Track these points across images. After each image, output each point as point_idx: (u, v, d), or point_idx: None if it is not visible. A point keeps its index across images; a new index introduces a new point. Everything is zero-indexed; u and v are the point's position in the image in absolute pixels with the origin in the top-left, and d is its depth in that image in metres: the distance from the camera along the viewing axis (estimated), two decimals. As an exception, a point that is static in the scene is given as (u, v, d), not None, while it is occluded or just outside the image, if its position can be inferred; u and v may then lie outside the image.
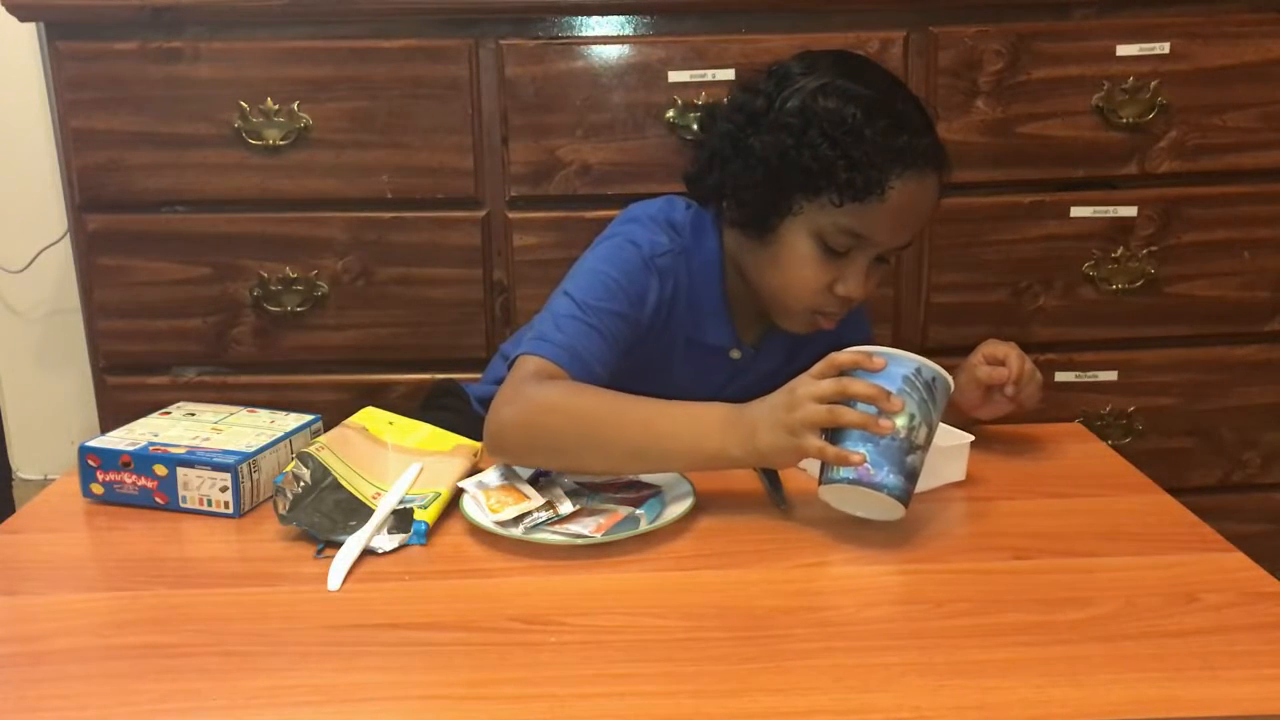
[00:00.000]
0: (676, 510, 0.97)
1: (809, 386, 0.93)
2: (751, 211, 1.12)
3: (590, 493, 1.03)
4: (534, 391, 1.02)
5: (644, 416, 0.98)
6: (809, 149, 1.06)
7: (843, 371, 0.94)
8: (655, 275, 1.15)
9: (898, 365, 0.92)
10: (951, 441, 1.08)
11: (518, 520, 0.95)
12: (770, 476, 1.06)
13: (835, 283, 1.11)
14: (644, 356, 1.16)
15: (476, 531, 0.96)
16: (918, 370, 0.92)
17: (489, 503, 0.97)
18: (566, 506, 0.97)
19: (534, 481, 1.03)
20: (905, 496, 0.92)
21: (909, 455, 0.91)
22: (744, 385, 1.17)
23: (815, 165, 1.06)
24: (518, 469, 1.03)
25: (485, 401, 1.38)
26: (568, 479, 1.04)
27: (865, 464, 0.90)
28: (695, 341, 1.20)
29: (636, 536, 0.94)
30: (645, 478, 1.04)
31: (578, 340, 1.07)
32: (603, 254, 1.16)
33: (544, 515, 0.96)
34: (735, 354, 1.23)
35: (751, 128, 1.11)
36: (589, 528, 0.95)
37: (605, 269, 1.13)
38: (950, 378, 0.95)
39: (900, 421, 0.90)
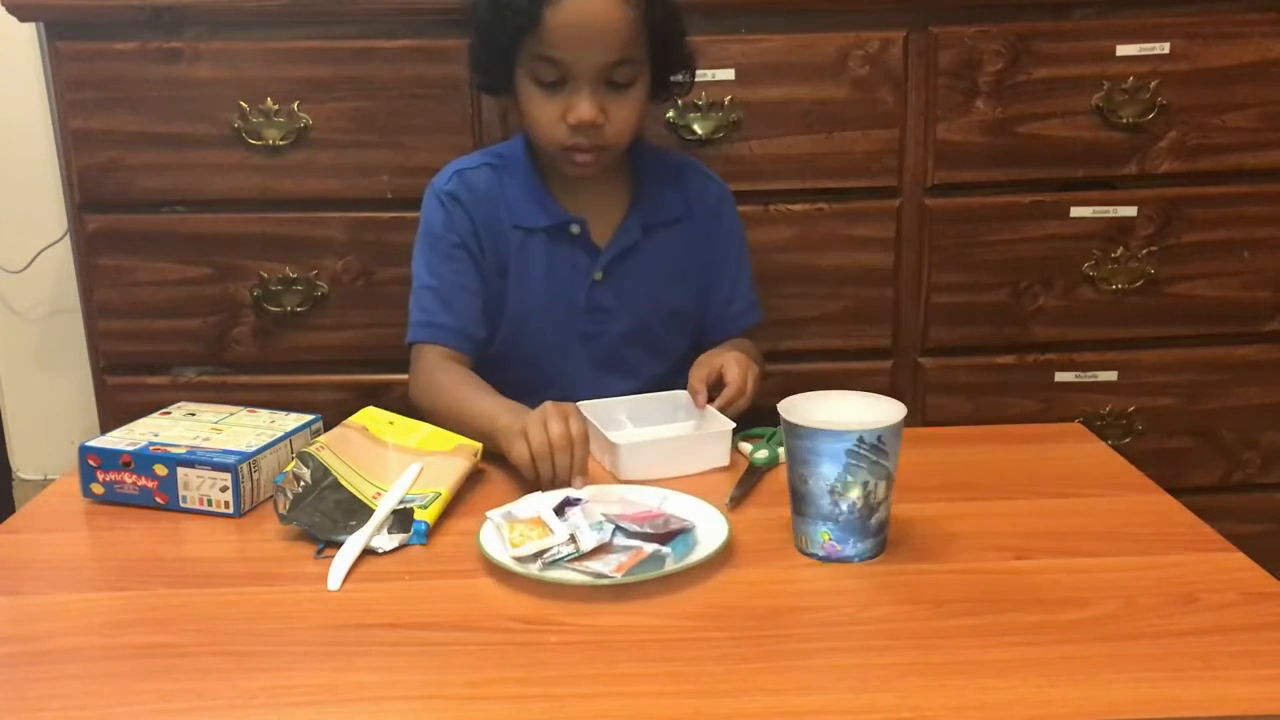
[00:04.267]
0: (705, 551, 0.90)
1: (544, 413, 1.08)
2: (489, 75, 1.29)
3: (617, 524, 0.93)
4: (414, 383, 1.29)
5: (461, 411, 1.19)
6: (483, 5, 1.23)
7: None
8: (447, 204, 1.31)
9: (837, 441, 0.88)
10: (715, 428, 1.13)
11: (536, 556, 0.89)
12: (746, 478, 1.07)
13: (566, 113, 1.21)
14: (502, 262, 1.31)
15: (475, 532, 0.95)
16: (859, 439, 0.88)
17: (511, 535, 0.92)
18: (588, 541, 0.90)
19: (560, 511, 0.96)
20: (878, 551, 0.92)
21: (872, 517, 0.90)
22: (613, 266, 1.31)
23: (489, 15, 1.22)
24: (546, 498, 0.99)
25: None
26: (598, 508, 0.96)
27: (831, 542, 0.90)
28: (531, 230, 1.31)
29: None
30: (679, 513, 0.96)
31: (437, 313, 1.29)
32: (421, 222, 1.34)
33: (565, 550, 0.90)
34: (574, 229, 1.31)
35: (472, 8, 1.27)
36: (610, 565, 0.87)
37: (422, 233, 1.33)
38: (901, 406, 0.92)
39: (854, 494, 0.89)
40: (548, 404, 1.09)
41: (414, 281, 1.32)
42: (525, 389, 1.22)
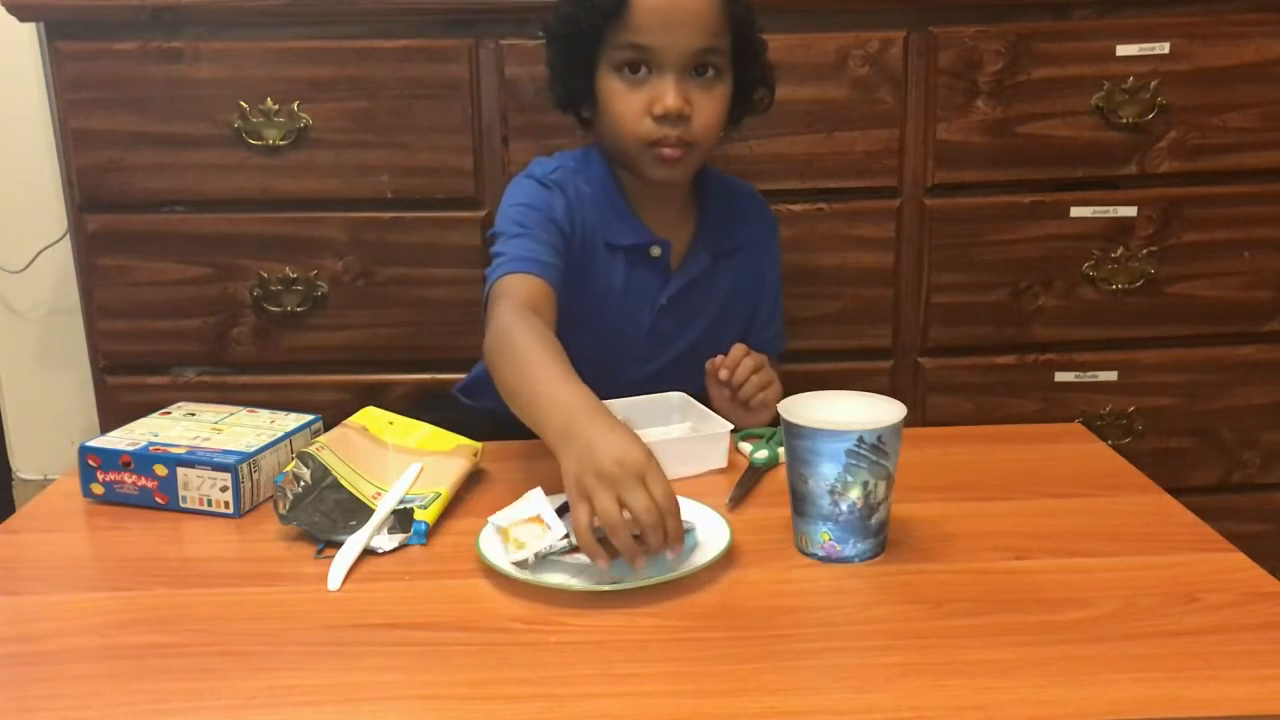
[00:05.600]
0: (708, 554, 0.90)
1: (615, 478, 0.86)
2: (569, 79, 1.25)
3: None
4: (496, 322, 1.09)
5: (536, 376, 0.99)
6: (564, 2, 1.21)
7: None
8: (553, 189, 1.25)
9: (837, 441, 0.87)
10: (713, 430, 1.12)
11: (534, 557, 0.88)
12: (746, 479, 1.07)
13: (652, 104, 1.18)
14: (582, 270, 1.25)
15: (475, 532, 0.95)
16: (859, 439, 0.87)
17: (509, 539, 0.91)
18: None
19: (563, 511, 0.93)
20: (878, 551, 0.92)
21: (872, 517, 0.90)
22: (680, 293, 1.30)
23: (571, 8, 1.20)
24: (550, 499, 0.96)
25: (469, 394, 1.40)
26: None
27: (831, 542, 0.90)
28: (614, 247, 1.27)
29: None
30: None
31: (524, 249, 1.18)
32: (506, 200, 1.26)
33: (561, 544, 0.88)
34: (655, 250, 1.28)
35: (546, 24, 1.26)
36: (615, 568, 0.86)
37: (514, 204, 1.24)
38: (901, 406, 0.91)
39: (854, 494, 0.88)
40: (611, 450, 0.87)
41: (496, 243, 1.21)
42: None
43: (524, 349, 1.02)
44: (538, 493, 0.97)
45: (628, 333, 1.30)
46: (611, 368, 1.28)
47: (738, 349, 1.22)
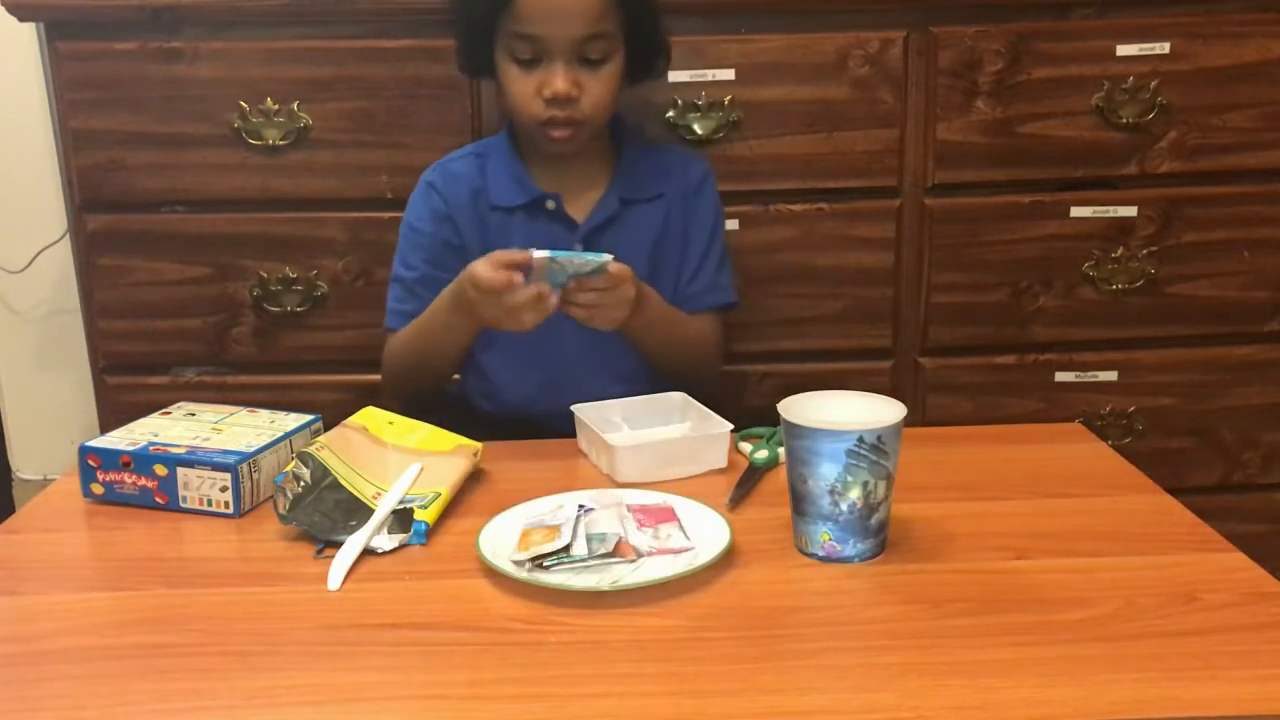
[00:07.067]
0: (708, 555, 0.89)
1: (480, 300, 1.15)
2: (470, 56, 1.35)
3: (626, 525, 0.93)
4: (382, 363, 1.38)
5: (421, 325, 1.29)
6: None
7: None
8: (430, 191, 1.37)
9: (837, 441, 0.87)
10: (713, 430, 1.12)
11: (535, 560, 0.88)
12: (746, 479, 1.07)
13: (542, 88, 1.26)
14: (482, 242, 1.33)
15: (475, 532, 0.95)
16: (859, 439, 0.87)
17: (531, 536, 0.91)
18: (580, 549, 0.89)
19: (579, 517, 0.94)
20: (878, 551, 0.92)
21: (872, 517, 0.90)
22: (591, 237, 1.33)
23: None
24: (565, 505, 0.97)
25: (459, 397, 1.40)
26: (611, 513, 0.95)
27: (831, 542, 0.90)
28: (510, 209, 1.35)
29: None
30: (681, 514, 0.96)
31: (402, 301, 1.35)
32: (406, 210, 1.40)
33: (563, 557, 0.89)
34: (549, 204, 1.34)
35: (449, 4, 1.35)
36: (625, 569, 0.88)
37: (403, 224, 1.39)
38: (901, 406, 0.91)
39: (854, 494, 0.88)
40: (464, 293, 1.17)
41: (392, 271, 1.38)
42: (513, 361, 1.34)
43: (404, 339, 1.33)
44: (572, 504, 0.97)
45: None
46: (548, 335, 1.25)
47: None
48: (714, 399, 1.20)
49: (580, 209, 1.35)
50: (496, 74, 1.32)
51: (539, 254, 1.11)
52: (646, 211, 1.37)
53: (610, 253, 1.14)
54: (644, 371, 1.33)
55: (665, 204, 1.38)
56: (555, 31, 1.24)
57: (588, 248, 1.33)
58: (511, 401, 1.37)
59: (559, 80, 1.25)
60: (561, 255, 1.12)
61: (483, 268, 1.14)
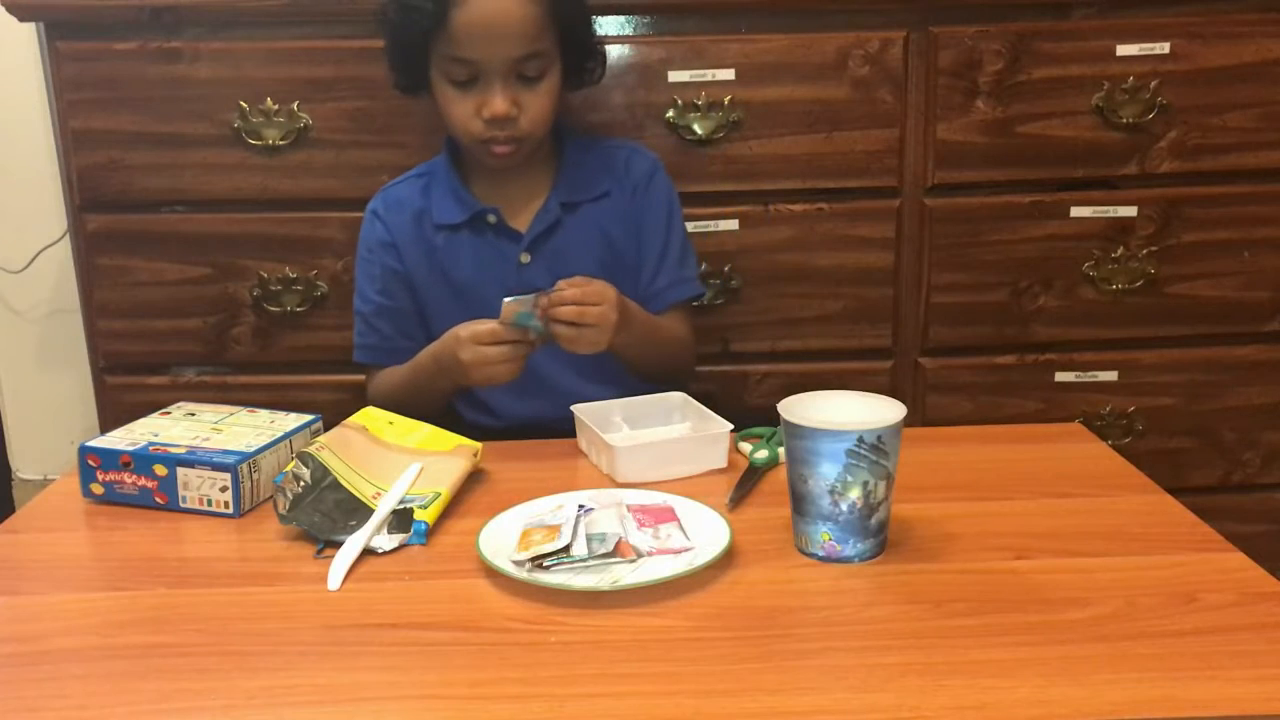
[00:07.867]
0: (707, 555, 0.89)
1: (465, 353, 1.18)
2: (404, 75, 1.34)
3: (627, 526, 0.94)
4: (368, 396, 1.39)
5: (408, 378, 1.33)
6: (390, 8, 1.28)
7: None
8: (369, 218, 1.40)
9: (837, 441, 0.87)
10: (712, 430, 1.12)
11: (532, 560, 0.89)
12: (746, 479, 1.07)
13: (481, 108, 1.27)
14: (430, 262, 1.36)
15: (475, 532, 0.95)
16: (859, 439, 0.87)
17: (531, 535, 0.91)
18: (580, 549, 0.89)
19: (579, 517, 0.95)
20: (878, 551, 0.92)
21: (872, 518, 0.90)
22: (536, 245, 1.34)
23: (397, 17, 1.27)
24: (579, 507, 0.97)
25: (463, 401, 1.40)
26: (610, 514, 0.96)
27: (831, 542, 0.90)
28: (454, 227, 1.36)
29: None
30: (682, 515, 0.97)
31: (364, 335, 1.41)
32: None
33: (562, 557, 0.89)
34: (490, 218, 1.35)
35: (381, 12, 1.32)
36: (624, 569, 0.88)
37: (357, 252, 1.42)
38: (901, 406, 0.91)
39: (854, 494, 0.88)
40: (451, 350, 1.20)
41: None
42: (506, 387, 1.27)
43: (389, 385, 1.37)
44: (572, 504, 0.97)
45: (499, 296, 1.22)
46: (541, 362, 1.29)
47: (571, 281, 1.19)
48: (688, 390, 1.22)
49: (523, 220, 1.35)
50: (432, 93, 1.32)
51: (507, 300, 1.14)
52: (592, 212, 1.37)
53: (561, 256, 1.20)
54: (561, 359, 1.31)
55: (613, 200, 1.38)
56: (491, 54, 1.24)
57: (536, 255, 1.35)
58: (506, 416, 1.37)
59: (498, 102, 1.26)
60: (520, 297, 1.15)
61: (467, 331, 1.18)
